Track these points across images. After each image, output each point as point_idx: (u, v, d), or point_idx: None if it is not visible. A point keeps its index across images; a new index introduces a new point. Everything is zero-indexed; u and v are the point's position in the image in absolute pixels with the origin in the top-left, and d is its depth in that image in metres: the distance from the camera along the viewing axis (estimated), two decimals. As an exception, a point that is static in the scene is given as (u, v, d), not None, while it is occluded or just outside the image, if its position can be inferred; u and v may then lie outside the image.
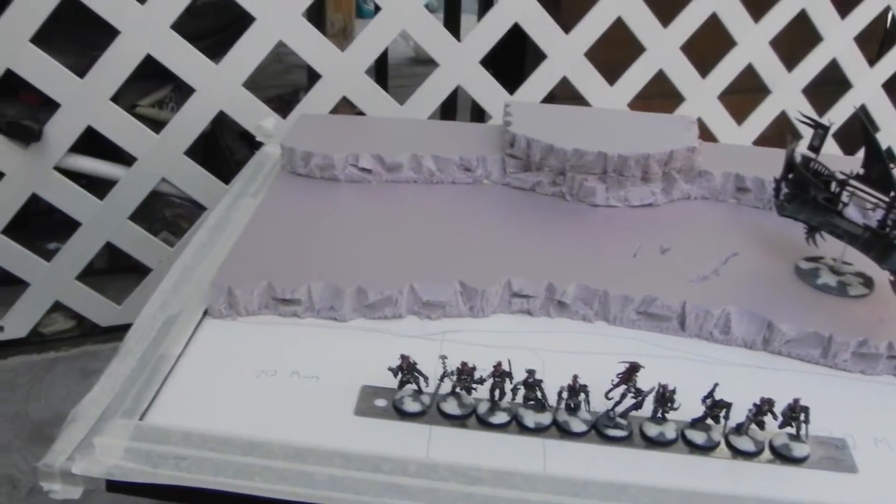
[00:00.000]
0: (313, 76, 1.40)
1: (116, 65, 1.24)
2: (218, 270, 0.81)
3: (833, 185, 0.82)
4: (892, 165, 0.78)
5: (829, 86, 1.64)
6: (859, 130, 0.83)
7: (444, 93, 1.43)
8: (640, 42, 1.47)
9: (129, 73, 1.26)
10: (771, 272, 0.85)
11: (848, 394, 0.73)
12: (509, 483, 0.60)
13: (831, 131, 0.86)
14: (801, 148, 0.86)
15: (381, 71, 2.22)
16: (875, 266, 0.79)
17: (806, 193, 0.83)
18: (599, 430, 0.65)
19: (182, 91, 1.50)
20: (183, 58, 1.27)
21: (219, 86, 1.31)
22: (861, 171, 0.80)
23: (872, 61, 1.65)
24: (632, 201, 0.97)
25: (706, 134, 1.56)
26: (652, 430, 0.66)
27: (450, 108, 1.71)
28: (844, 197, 0.82)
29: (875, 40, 1.73)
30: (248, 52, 1.31)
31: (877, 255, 0.77)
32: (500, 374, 0.65)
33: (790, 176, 0.84)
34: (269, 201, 0.96)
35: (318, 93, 1.38)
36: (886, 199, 0.77)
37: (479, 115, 1.59)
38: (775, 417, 0.65)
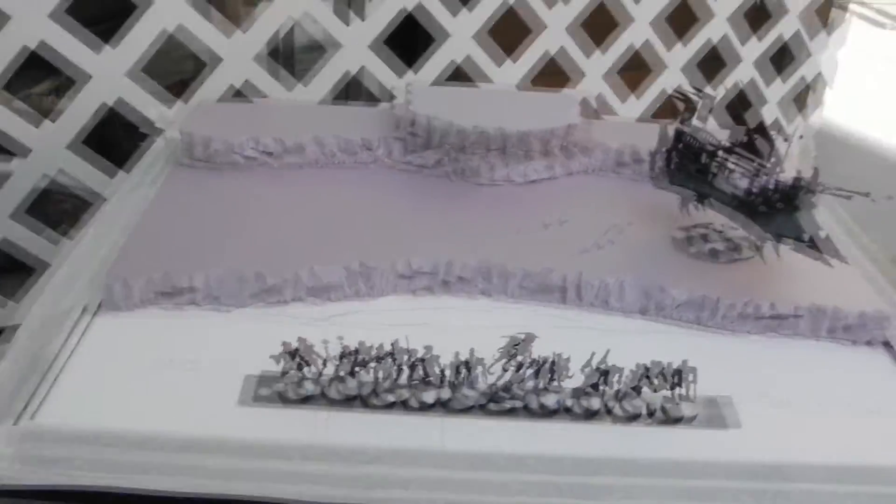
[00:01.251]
0: (214, 61, 1.38)
1: (5, 52, 1.19)
2: (113, 262, 0.79)
3: (704, 157, 0.85)
4: (756, 136, 0.81)
5: (717, 60, 1.68)
6: (741, 104, 0.86)
7: (343, 75, 1.42)
8: (539, 20, 1.48)
9: (20, 62, 1.21)
10: (659, 240, 0.88)
11: (734, 353, 0.77)
12: (407, 461, 0.61)
13: (715, 104, 0.89)
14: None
15: (287, 56, 2.19)
16: (763, 230, 0.82)
17: (684, 163, 0.85)
18: (494, 402, 0.67)
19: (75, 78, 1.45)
20: (75, 44, 1.23)
21: (114, 72, 1.28)
22: (733, 142, 0.83)
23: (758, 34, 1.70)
24: (530, 176, 0.98)
25: (604, 109, 1.59)
26: (545, 399, 0.67)
27: (351, 91, 1.69)
28: (719, 165, 0.85)
29: (760, 18, 1.78)
30: (143, 37, 1.27)
31: (744, 222, 0.81)
32: (392, 353, 0.66)
33: (667, 149, 0.87)
34: (166, 190, 0.95)
35: (217, 78, 1.36)
36: (757, 166, 0.81)
37: (379, 98, 1.59)
38: (663, 380, 0.68)
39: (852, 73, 2.26)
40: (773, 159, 0.81)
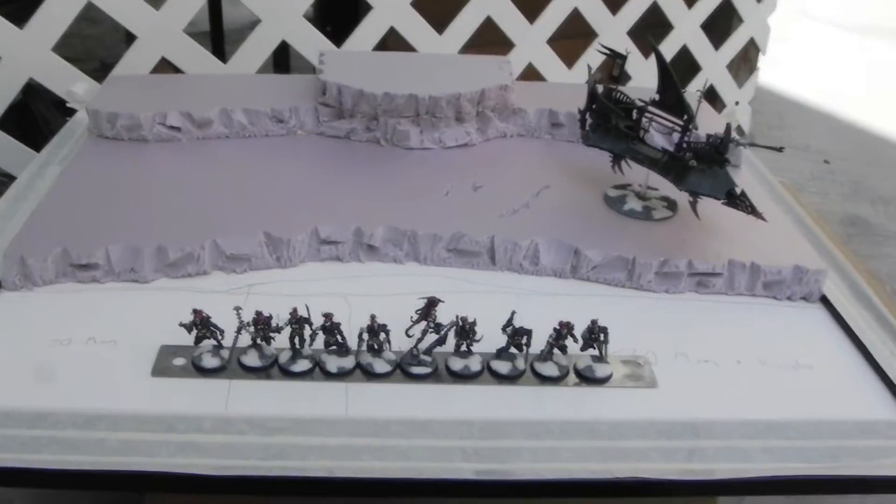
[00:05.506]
0: (132, 38, 1.33)
1: None
2: (11, 241, 0.76)
3: (633, 113, 0.84)
4: (683, 90, 0.79)
5: (653, 28, 1.67)
6: (684, 69, 0.84)
7: (269, 48, 1.38)
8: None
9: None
10: (580, 202, 0.86)
11: (652, 313, 0.75)
12: (309, 430, 0.59)
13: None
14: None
15: (216, 35, 2.14)
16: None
17: (608, 122, 0.84)
18: (404, 368, 0.65)
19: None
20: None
21: (25, 52, 1.23)
22: (657, 97, 0.82)
23: (691, 3, 1.69)
24: (446, 142, 0.96)
25: (538, 79, 1.57)
26: (457, 364, 0.65)
27: (282, 65, 1.66)
28: (644, 124, 0.84)
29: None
30: (56, 15, 1.23)
31: (674, 178, 0.79)
32: (297, 321, 0.63)
33: (594, 106, 0.85)
34: (73, 167, 0.91)
35: (135, 55, 1.31)
36: (680, 123, 0.79)
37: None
38: (575, 340, 0.66)
39: (785, 39, 2.28)
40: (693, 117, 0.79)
